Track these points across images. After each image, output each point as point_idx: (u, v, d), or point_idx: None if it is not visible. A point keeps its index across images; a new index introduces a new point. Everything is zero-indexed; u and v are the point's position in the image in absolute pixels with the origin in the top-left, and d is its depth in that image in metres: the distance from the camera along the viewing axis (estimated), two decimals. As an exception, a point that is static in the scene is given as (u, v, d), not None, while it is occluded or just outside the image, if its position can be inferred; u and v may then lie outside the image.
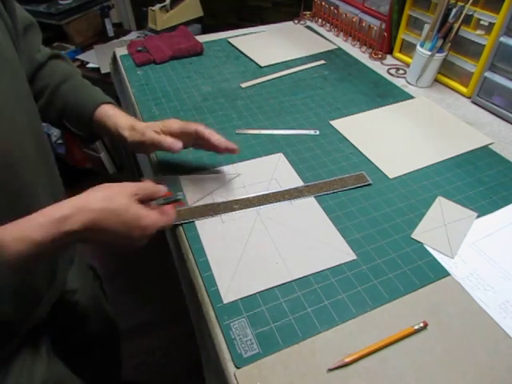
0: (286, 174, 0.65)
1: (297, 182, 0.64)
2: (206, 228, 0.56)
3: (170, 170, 0.66)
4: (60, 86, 0.61)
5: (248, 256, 0.52)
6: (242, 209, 0.58)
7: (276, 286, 0.49)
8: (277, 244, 0.54)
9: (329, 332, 0.44)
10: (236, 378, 0.40)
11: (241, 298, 0.47)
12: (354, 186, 0.63)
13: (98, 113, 0.60)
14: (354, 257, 0.52)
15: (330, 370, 0.41)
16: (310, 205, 0.60)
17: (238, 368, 0.41)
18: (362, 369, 0.41)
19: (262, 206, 0.59)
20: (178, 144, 0.56)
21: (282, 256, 0.52)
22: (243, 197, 0.60)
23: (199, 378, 0.59)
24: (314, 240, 0.54)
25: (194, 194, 0.61)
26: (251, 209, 0.59)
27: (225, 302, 0.47)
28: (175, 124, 0.58)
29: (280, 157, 0.69)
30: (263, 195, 0.61)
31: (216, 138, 0.58)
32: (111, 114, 0.60)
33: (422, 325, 0.44)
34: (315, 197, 0.61)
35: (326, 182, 0.63)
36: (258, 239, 0.54)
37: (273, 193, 0.61)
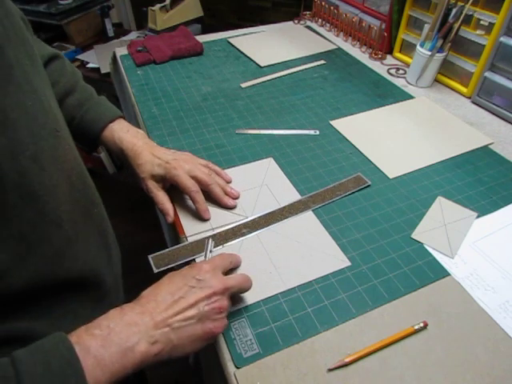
0: (277, 180, 0.64)
1: (288, 186, 0.62)
2: None
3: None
4: (64, 100, 0.60)
5: (240, 266, 0.51)
6: (250, 233, 0.55)
7: (270, 297, 0.47)
8: (270, 253, 0.53)
9: (329, 332, 0.44)
10: (236, 378, 0.40)
11: (232, 312, 0.45)
12: (355, 190, 0.62)
13: (104, 135, 0.61)
14: (348, 263, 0.51)
15: (330, 370, 0.41)
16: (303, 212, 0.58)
17: (237, 368, 0.41)
18: (361, 369, 0.41)
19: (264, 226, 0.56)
20: (169, 219, 0.56)
21: (276, 265, 0.51)
22: (245, 220, 0.57)
23: (199, 378, 0.59)
24: (307, 248, 0.53)
25: (193, 226, 0.57)
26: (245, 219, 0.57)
27: None
28: (179, 177, 0.56)
29: (270, 161, 0.68)
30: (267, 214, 0.58)
31: (218, 196, 0.58)
32: (117, 138, 0.61)
33: (422, 325, 0.44)
34: (315, 207, 0.59)
35: (327, 190, 0.62)
36: (250, 248, 0.53)
37: (278, 209, 0.58)
